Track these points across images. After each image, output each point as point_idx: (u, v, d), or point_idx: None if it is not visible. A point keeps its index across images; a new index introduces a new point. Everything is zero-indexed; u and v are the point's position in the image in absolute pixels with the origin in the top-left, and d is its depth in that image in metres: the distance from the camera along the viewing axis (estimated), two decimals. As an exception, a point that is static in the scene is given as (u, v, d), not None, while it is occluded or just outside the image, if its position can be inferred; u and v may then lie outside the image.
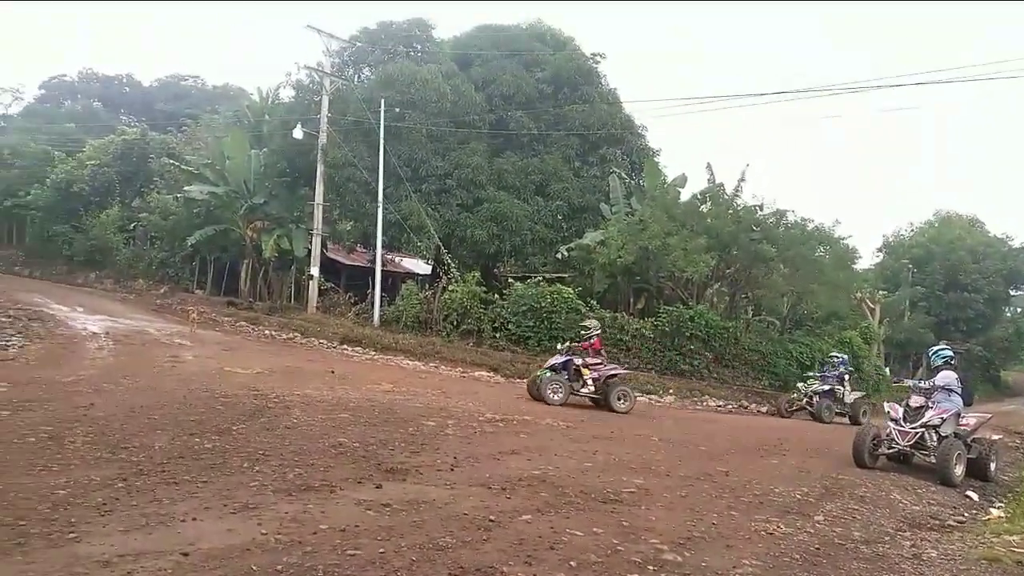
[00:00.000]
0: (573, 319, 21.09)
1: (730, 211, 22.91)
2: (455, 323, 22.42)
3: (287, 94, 31.46)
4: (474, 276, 22.83)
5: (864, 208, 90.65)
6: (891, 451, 10.55)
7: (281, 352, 18.73)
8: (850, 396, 18.99)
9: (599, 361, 15.12)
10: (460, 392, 14.51)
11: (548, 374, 14.80)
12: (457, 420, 10.52)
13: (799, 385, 19.39)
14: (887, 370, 30.26)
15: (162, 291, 31.10)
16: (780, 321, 25.18)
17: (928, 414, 10.27)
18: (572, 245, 24.16)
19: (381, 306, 24.41)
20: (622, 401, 14.80)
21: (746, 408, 19.80)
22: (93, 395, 9.60)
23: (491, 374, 19.14)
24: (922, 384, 10.83)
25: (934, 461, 10.03)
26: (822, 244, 23.39)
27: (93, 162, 38.79)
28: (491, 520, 5.63)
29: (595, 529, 5.72)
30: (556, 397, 14.33)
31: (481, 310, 22.08)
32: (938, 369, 10.79)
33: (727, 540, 5.91)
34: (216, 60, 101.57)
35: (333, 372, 15.33)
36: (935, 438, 10.21)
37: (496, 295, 22.51)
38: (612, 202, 25.42)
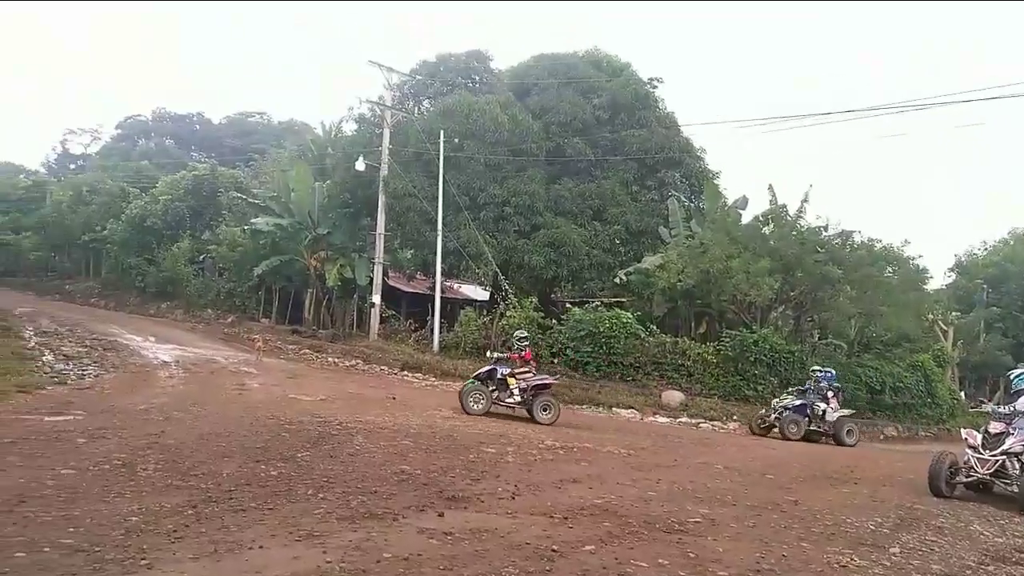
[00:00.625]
0: (632, 344, 20.89)
1: (794, 232, 22.42)
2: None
3: (350, 128, 32.29)
4: (531, 302, 22.83)
5: (934, 227, 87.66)
6: (969, 479, 10.07)
7: (344, 379, 19.04)
8: (833, 414, 17.64)
9: (527, 371, 15.11)
10: (518, 418, 14.49)
11: (473, 384, 14.99)
12: (516, 447, 10.49)
13: (773, 401, 18.32)
14: (962, 394, 28.96)
15: (230, 320, 32.00)
16: (847, 344, 24.42)
17: (1009, 441, 9.78)
18: (631, 269, 23.98)
19: (440, 332, 24.61)
20: (546, 412, 14.70)
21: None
22: (164, 423, 9.89)
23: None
24: (1002, 409, 10.34)
25: (1016, 490, 9.53)
26: (890, 264, 22.69)
27: (165, 197, 40.42)
28: (554, 550, 5.56)
29: (661, 560, 5.60)
30: (477, 407, 14.50)
31: (539, 335, 22.03)
32: (1018, 393, 10.30)
33: (798, 573, 5.71)
34: (281, 97, 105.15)
35: (394, 398, 15.51)
36: (1017, 466, 9.72)
37: (554, 320, 22.44)
38: (671, 225, 25.18)
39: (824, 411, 17.56)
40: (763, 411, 18.22)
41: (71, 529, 5.14)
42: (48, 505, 5.68)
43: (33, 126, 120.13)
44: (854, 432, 17.77)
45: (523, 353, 15.28)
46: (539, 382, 15.11)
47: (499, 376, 14.98)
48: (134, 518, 5.50)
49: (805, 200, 23.10)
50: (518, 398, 14.86)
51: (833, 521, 7.67)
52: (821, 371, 18.37)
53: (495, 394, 14.92)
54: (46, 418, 9.66)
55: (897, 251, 22.52)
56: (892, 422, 22.28)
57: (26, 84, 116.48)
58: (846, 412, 18.14)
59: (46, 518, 5.35)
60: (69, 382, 13.99)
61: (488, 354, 16.58)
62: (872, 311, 22.49)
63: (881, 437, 21.11)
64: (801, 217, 22.99)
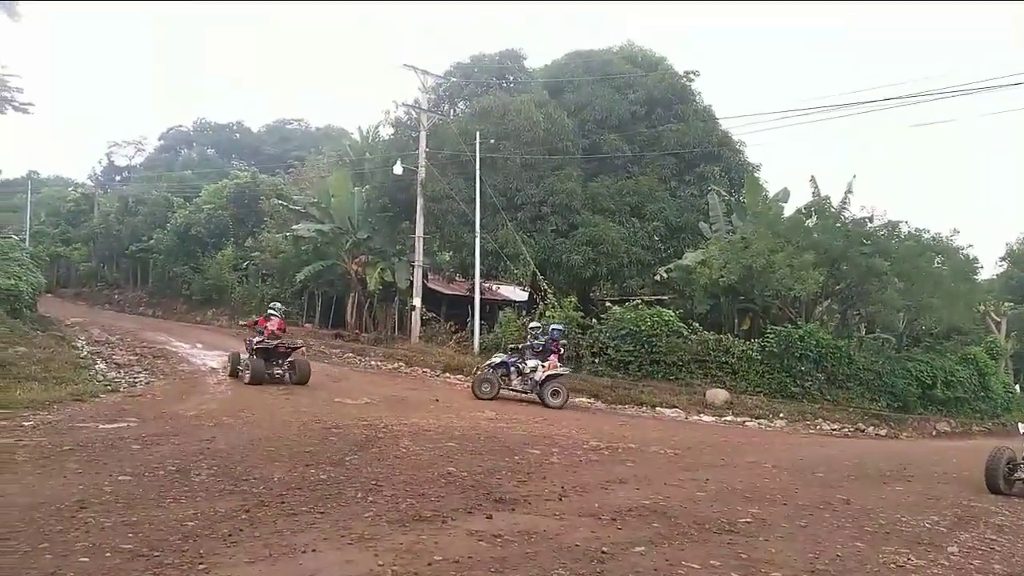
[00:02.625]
0: (675, 342, 20.67)
1: (838, 225, 21.96)
2: (554, 349, 22.36)
3: (386, 132, 32.51)
4: (571, 301, 22.74)
5: (984, 216, 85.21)
6: (1030, 475, 9.77)
7: (387, 382, 19.20)
8: (541, 373, 16.62)
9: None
10: (561, 419, 14.47)
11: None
12: (561, 448, 10.48)
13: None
14: (1017, 387, 28.12)
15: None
16: (896, 338, 23.87)
17: (1070, 435, 9.48)
18: (671, 266, 23.74)
19: (480, 334, 24.68)
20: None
21: (863, 431, 18.81)
22: (214, 428, 10.09)
23: (592, 400, 18.96)
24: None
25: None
26: (939, 255, 22.12)
27: (209, 206, 41.29)
28: (604, 552, 5.54)
29: (712, 562, 5.54)
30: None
31: (579, 335, 21.93)
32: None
33: (854, 573, 5.61)
34: (318, 103, 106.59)
35: (437, 401, 15.60)
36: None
37: (593, 319, 22.33)
38: (711, 220, 24.86)
39: (533, 369, 16.78)
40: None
41: (130, 534, 5.27)
42: (108, 510, 5.83)
43: (81, 140, 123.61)
44: (560, 393, 16.59)
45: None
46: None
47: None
48: (190, 523, 5.62)
49: (849, 191, 22.63)
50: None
51: (887, 520, 7.51)
52: (539, 326, 18.10)
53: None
54: (101, 426, 9.92)
55: (946, 241, 21.95)
56: (944, 417, 21.72)
57: (74, 97, 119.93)
58: (560, 371, 16.98)
59: (107, 523, 5.50)
60: (122, 390, 14.35)
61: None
62: (921, 304, 21.95)
63: (933, 432, 20.60)
64: (845, 209, 22.51)
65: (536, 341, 17.22)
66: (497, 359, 17.53)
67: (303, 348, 18.01)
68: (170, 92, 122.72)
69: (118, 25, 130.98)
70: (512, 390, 16.85)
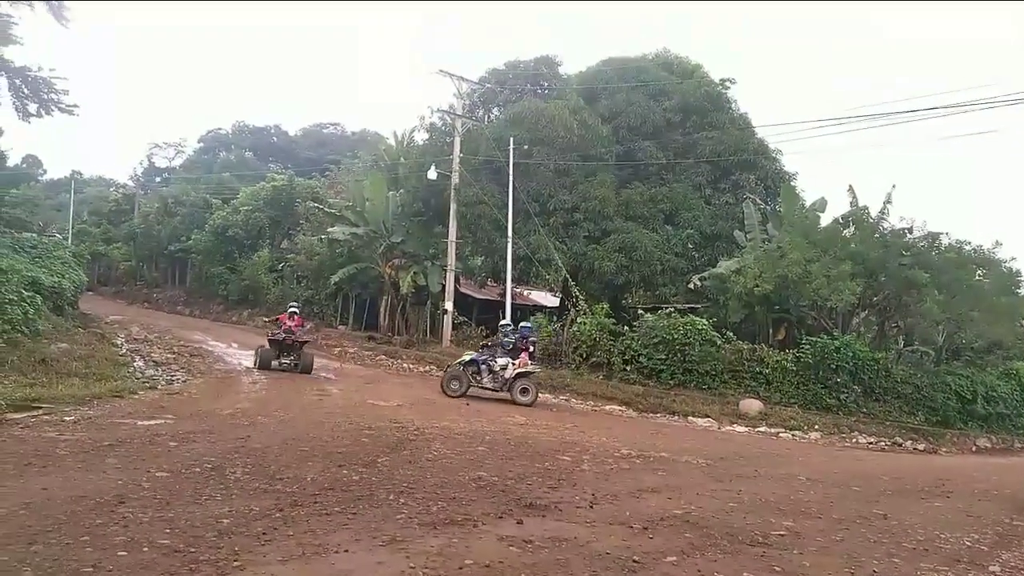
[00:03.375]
0: (708, 351, 20.48)
1: (876, 235, 21.60)
2: (584, 355, 22.27)
3: (421, 137, 32.79)
4: (603, 308, 22.65)
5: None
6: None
7: (418, 385, 19.29)
8: (511, 370, 16.81)
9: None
10: (592, 426, 14.41)
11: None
12: (592, 455, 10.43)
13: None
14: (1062, 405, 27.33)
15: (308, 327, 32.80)
16: (935, 351, 23.38)
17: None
18: (705, 274, 23.55)
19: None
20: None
21: (900, 445, 18.45)
22: (249, 427, 10.22)
23: (623, 408, 18.87)
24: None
25: None
26: (981, 268, 21.63)
27: (246, 207, 41.90)
28: (635, 561, 5.50)
29: (745, 574, 5.47)
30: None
31: (611, 342, 21.82)
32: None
33: (891, 591, 5.49)
34: (355, 107, 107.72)
35: (468, 404, 15.63)
36: None
37: (625, 327, 22.21)
38: (747, 229, 24.62)
39: (503, 367, 17.00)
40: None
41: (167, 530, 5.35)
42: (145, 506, 5.93)
43: (122, 141, 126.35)
44: (529, 391, 16.81)
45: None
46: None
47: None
48: (225, 520, 5.69)
49: (888, 201, 22.25)
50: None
51: (926, 536, 7.34)
52: (509, 325, 18.43)
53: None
54: (139, 422, 10.10)
55: (988, 254, 21.44)
56: (985, 433, 21.21)
57: (117, 99, 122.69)
58: (530, 369, 17.17)
59: (144, 519, 5.59)
60: (159, 387, 14.61)
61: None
62: (961, 317, 21.48)
63: (973, 448, 20.14)
64: (884, 219, 22.13)
65: (507, 339, 17.53)
66: (467, 357, 17.66)
67: (310, 342, 20.95)
68: (210, 95, 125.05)
69: (161, 29, 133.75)
70: (482, 387, 17.04)
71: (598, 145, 25.37)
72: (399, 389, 17.41)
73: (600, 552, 5.65)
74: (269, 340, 19.45)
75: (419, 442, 9.98)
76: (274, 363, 18.72)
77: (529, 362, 17.23)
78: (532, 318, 25.45)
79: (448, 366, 18.84)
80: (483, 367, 17.17)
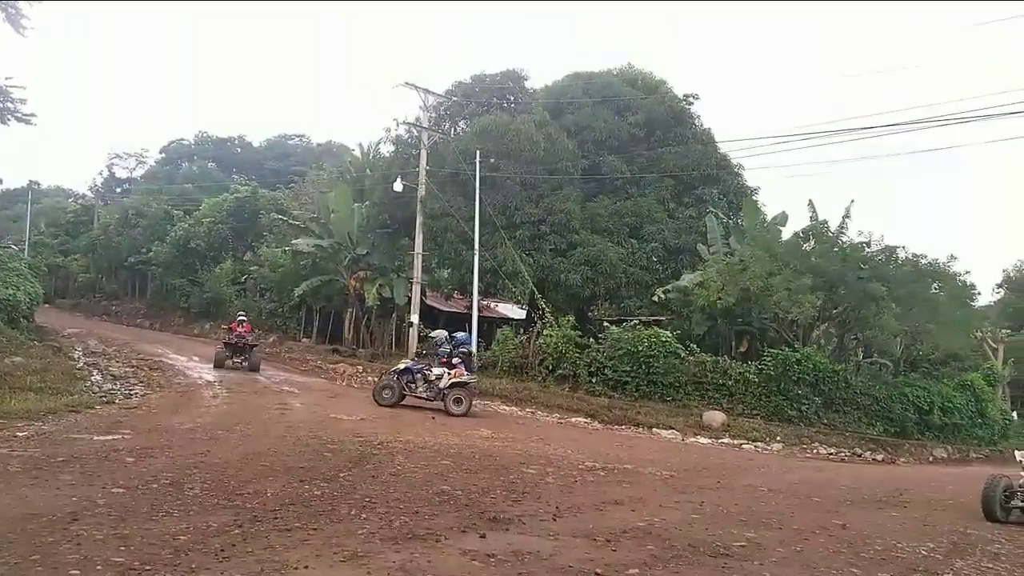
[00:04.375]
0: (672, 363, 20.66)
1: (835, 249, 22.01)
2: (551, 368, 22.33)
3: (387, 149, 32.62)
4: (569, 320, 22.74)
5: (980, 242, 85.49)
6: (1027, 504, 9.73)
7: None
8: (446, 380, 16.93)
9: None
10: (558, 439, 14.43)
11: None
12: (557, 468, 10.44)
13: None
14: (1015, 415, 28.05)
15: (271, 340, 32.42)
16: (893, 363, 23.86)
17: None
18: (669, 287, 23.78)
19: (478, 351, 24.61)
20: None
21: (859, 456, 18.77)
22: (209, 442, 10.06)
23: (588, 420, 18.92)
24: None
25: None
26: (937, 281, 22.15)
27: (208, 219, 41.32)
28: (597, 573, 5.52)
29: (706, 585, 5.52)
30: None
31: (577, 355, 21.90)
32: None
33: (849, 600, 5.57)
34: (319, 119, 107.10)
35: (433, 418, 15.56)
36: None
37: (591, 339, 22.31)
38: (710, 243, 24.94)
39: (439, 376, 17.09)
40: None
41: (122, 548, 5.25)
42: (100, 523, 5.80)
43: (81, 151, 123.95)
44: (463, 401, 16.85)
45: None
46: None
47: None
48: (183, 537, 5.60)
49: (847, 216, 22.71)
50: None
51: (883, 546, 7.47)
52: (441, 335, 18.37)
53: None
54: (95, 437, 9.89)
55: (943, 267, 21.97)
56: (941, 443, 21.68)
57: (75, 109, 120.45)
58: (465, 380, 17.17)
59: (98, 536, 5.47)
60: (117, 401, 14.32)
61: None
62: (918, 329, 21.98)
63: (930, 459, 20.56)
64: (843, 233, 22.57)
65: (442, 349, 17.53)
66: (402, 365, 17.66)
67: (258, 347, 24.54)
68: (172, 105, 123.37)
69: (122, 36, 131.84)
70: (416, 396, 17.08)
71: (564, 159, 25.53)
72: (363, 403, 17.25)
73: (563, 565, 5.65)
74: (224, 344, 23.21)
75: (382, 456, 9.91)
76: (228, 363, 22.25)
77: (465, 373, 17.21)
78: (499, 330, 25.46)
79: (381, 375, 18.88)
80: (418, 376, 17.17)
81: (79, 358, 21.21)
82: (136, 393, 15.90)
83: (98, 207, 57.34)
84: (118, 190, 70.24)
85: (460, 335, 18.49)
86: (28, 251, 48.98)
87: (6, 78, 21.89)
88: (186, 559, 5.10)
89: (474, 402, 17.54)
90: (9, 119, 22.25)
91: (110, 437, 9.97)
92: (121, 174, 73.53)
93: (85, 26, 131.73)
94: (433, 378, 17.08)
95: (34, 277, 30.69)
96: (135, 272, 47.66)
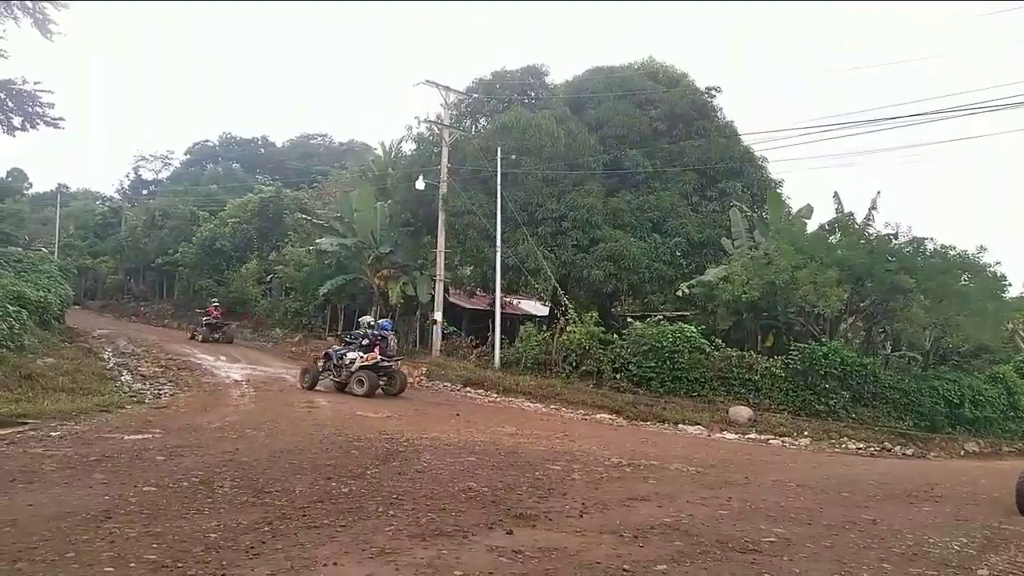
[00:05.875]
0: (697, 358, 20.54)
1: (862, 241, 21.75)
2: (574, 364, 22.28)
3: (409, 147, 32.75)
4: (592, 316, 22.66)
5: (1013, 233, 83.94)
6: (1062, 498, 9.55)
7: (408, 395, 19.22)
8: (357, 364, 17.71)
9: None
10: (583, 435, 14.40)
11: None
12: (583, 464, 10.42)
13: None
14: (1048, 408, 27.50)
15: (297, 339, 32.67)
16: (923, 356, 23.49)
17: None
18: (693, 282, 23.61)
19: (501, 348, 24.65)
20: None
21: (889, 450, 18.52)
22: (238, 440, 10.17)
23: (613, 416, 18.86)
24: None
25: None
26: (966, 273, 21.78)
27: (233, 220, 41.75)
28: (625, 570, 5.50)
29: (735, 581, 5.48)
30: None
31: (600, 351, 21.83)
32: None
33: (881, 596, 5.51)
34: (342, 119, 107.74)
35: (458, 415, 15.61)
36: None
37: (615, 335, 22.23)
38: (734, 236, 24.73)
39: (352, 361, 17.86)
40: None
41: (155, 545, 5.32)
42: (132, 521, 5.89)
43: (109, 154, 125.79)
44: (364, 383, 17.45)
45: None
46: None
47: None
48: (213, 534, 5.66)
49: (873, 207, 22.43)
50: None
51: (915, 541, 7.38)
52: (369, 321, 19.25)
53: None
54: (126, 437, 10.04)
55: (973, 259, 21.58)
56: (973, 437, 21.29)
57: (103, 112, 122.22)
58: (376, 362, 17.69)
59: (131, 534, 5.55)
60: (147, 401, 14.53)
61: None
62: (948, 321, 21.60)
63: (961, 453, 20.22)
64: (869, 225, 22.29)
65: (366, 334, 18.22)
66: (328, 351, 18.75)
67: (233, 325, 33.46)
68: (196, 106, 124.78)
69: (147, 39, 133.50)
70: (331, 380, 18.13)
71: (585, 154, 25.45)
72: (389, 400, 17.35)
73: (590, 561, 5.65)
74: (204, 324, 31.73)
75: (408, 453, 9.95)
76: (210, 337, 30.73)
77: (379, 356, 17.71)
78: (522, 327, 25.44)
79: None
80: (335, 360, 18.13)
81: (109, 358, 21.54)
82: (165, 393, 16.12)
83: (125, 209, 58.13)
84: (144, 192, 71.17)
85: (382, 321, 19.60)
86: (58, 253, 49.84)
87: (35, 83, 22.19)
88: (217, 556, 5.16)
89: (500, 399, 17.63)
90: (38, 123, 22.59)
91: (141, 436, 10.12)
92: (147, 176, 74.56)
93: (110, 29, 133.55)
94: (347, 362, 17.91)
95: (64, 279, 31.22)
96: (162, 273, 48.28)
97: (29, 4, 20.51)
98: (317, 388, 18.16)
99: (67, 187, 73.69)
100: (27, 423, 10.51)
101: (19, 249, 31.55)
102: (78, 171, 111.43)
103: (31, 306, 20.75)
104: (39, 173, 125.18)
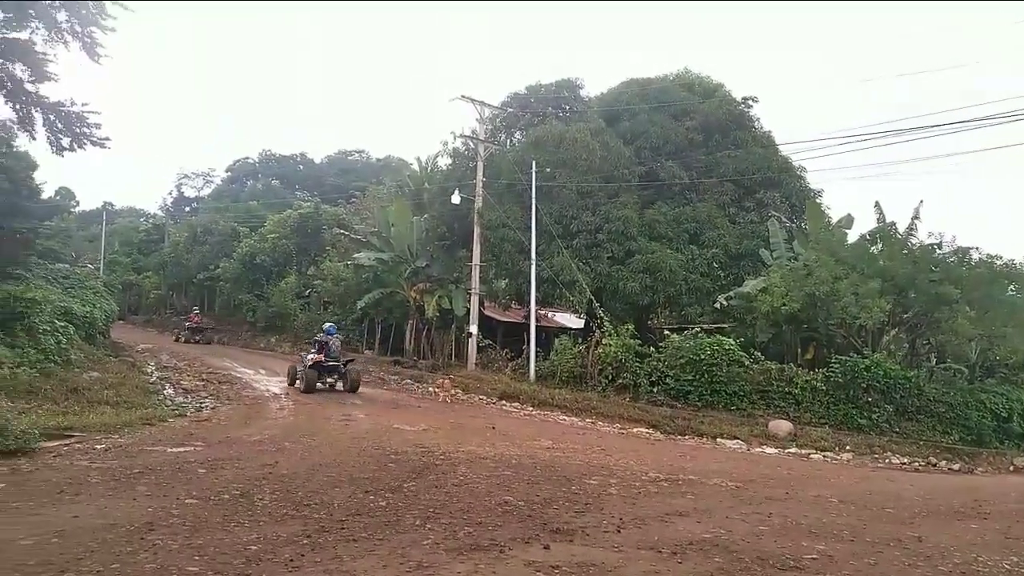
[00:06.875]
0: (735, 372, 20.27)
1: (904, 251, 21.29)
2: (610, 377, 22.13)
3: (444, 162, 33.02)
4: (628, 329, 22.50)
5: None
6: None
7: (444, 409, 19.30)
8: (308, 362, 20.58)
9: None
10: (619, 449, 14.28)
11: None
12: (620, 479, 10.34)
13: None
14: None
15: (352, 357, 32.98)
16: (969, 369, 22.87)
17: None
18: (731, 294, 23.35)
19: (536, 361, 24.62)
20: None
21: (934, 465, 18.02)
22: (277, 453, 10.29)
23: (650, 431, 18.67)
24: None
25: None
26: (1013, 283, 21.20)
27: (273, 235, 42.45)
28: (663, 586, 5.43)
29: (776, 599, 5.38)
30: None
31: (637, 364, 21.65)
32: None
33: (928, 616, 5.36)
34: (379, 135, 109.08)
35: (494, 428, 15.59)
36: None
37: (651, 348, 22.04)
38: (772, 247, 24.42)
39: (306, 361, 20.77)
40: None
41: (196, 557, 5.40)
42: (175, 533, 5.99)
43: (153, 172, 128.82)
44: (303, 380, 20.10)
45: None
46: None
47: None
48: (253, 547, 5.73)
49: (916, 217, 21.93)
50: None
51: (963, 559, 7.16)
52: (330, 326, 21.70)
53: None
54: (169, 449, 10.22)
55: (1020, 268, 21.02)
56: (1022, 452, 20.68)
57: (147, 131, 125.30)
58: (321, 362, 20.36)
59: (173, 545, 5.65)
60: (188, 414, 14.78)
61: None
62: (994, 333, 21.01)
63: (1011, 468, 19.57)
64: (912, 234, 21.81)
65: (317, 338, 21.10)
66: (303, 354, 22.50)
67: (212, 329, 40.60)
68: (237, 125, 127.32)
69: (190, 60, 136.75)
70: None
71: (620, 166, 25.39)
72: (424, 413, 17.43)
73: (628, 577, 5.59)
74: (187, 328, 38.60)
75: (445, 467, 9.97)
76: (191, 339, 37.23)
77: (322, 357, 20.40)
78: (557, 340, 25.36)
79: None
80: (304, 361, 20.99)
81: (152, 372, 21.98)
82: (206, 406, 16.39)
83: (168, 226, 59.48)
84: (187, 209, 72.77)
85: (326, 326, 21.79)
86: (103, 270, 51.13)
87: (82, 104, 22.79)
88: (257, 568, 5.23)
89: (536, 412, 17.60)
90: (85, 143, 23.15)
91: (182, 449, 10.29)
92: (189, 193, 76.29)
93: (155, 50, 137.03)
94: (306, 362, 20.67)
95: (109, 295, 32.01)
96: (204, 288, 49.24)
97: (78, 28, 21.10)
98: (295, 385, 20.66)
99: (112, 205, 75.76)
100: (73, 436, 10.76)
101: (66, 266, 32.36)
102: (123, 189, 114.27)
103: (78, 321, 21.30)
104: (86, 192, 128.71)
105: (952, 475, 17.02)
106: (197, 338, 37.59)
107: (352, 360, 23.06)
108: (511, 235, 25.41)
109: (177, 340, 37.90)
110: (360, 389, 20.93)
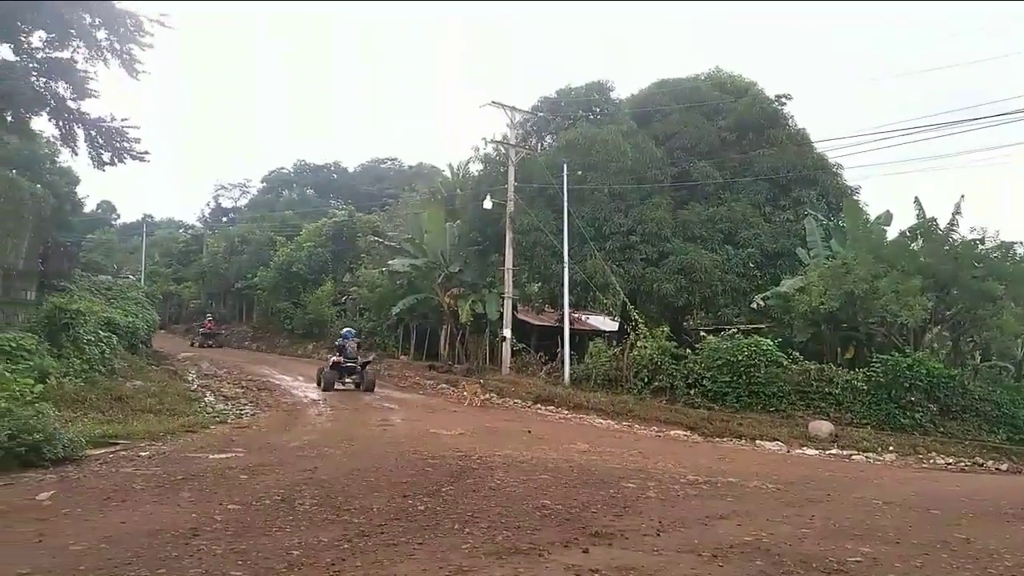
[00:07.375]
0: (774, 372, 20.00)
1: (946, 247, 20.85)
2: (646, 380, 21.97)
3: (476, 168, 33.16)
4: (663, 331, 22.33)
5: (1111, 232, 79.16)
6: None
7: (479, 413, 19.35)
8: (330, 363, 22.57)
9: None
10: (657, 452, 14.17)
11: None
12: (658, 482, 10.25)
13: None
14: None
15: (371, 358, 33.30)
16: (1015, 366, 22.34)
17: None
18: (768, 294, 23.08)
19: (571, 365, 24.57)
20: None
21: (981, 466, 17.57)
22: (316, 459, 10.40)
23: (688, 433, 18.51)
24: None
25: None
26: (1060, 278, 20.64)
27: (309, 244, 43.05)
28: (704, 590, 5.38)
29: (820, 603, 5.30)
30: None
31: (673, 366, 21.48)
32: None
33: (978, 620, 5.23)
34: (411, 142, 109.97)
35: (530, 432, 15.58)
36: None
37: (687, 350, 21.85)
38: (809, 246, 24.08)
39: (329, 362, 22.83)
40: None
41: (239, 562, 5.49)
42: (218, 538, 6.09)
43: (191, 183, 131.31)
44: (321, 380, 22.04)
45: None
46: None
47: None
48: (295, 551, 5.80)
49: (957, 212, 21.46)
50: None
51: (1014, 562, 6.96)
52: (349, 330, 23.91)
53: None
54: (211, 456, 10.39)
55: (1067, 262, 20.46)
56: (1074, 451, 20.09)
57: (183, 144, 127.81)
58: (344, 364, 22.34)
59: (217, 551, 5.74)
60: (229, 421, 15.02)
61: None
62: (1042, 329, 20.51)
63: (1062, 468, 19.09)
64: (953, 230, 21.34)
65: (337, 343, 23.24)
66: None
67: (224, 334, 44.39)
68: (272, 135, 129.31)
69: (226, 73, 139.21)
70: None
71: (653, 167, 25.26)
72: (460, 417, 17.48)
73: (669, 581, 5.55)
74: (201, 333, 42.59)
75: (482, 471, 9.99)
76: (205, 344, 40.65)
77: (340, 359, 22.29)
78: (591, 343, 25.28)
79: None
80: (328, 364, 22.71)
81: (193, 380, 22.40)
82: (246, 413, 16.63)
83: (207, 236, 60.57)
84: (224, 219, 74.03)
85: (344, 330, 23.94)
86: (144, 280, 52.21)
87: (122, 119, 23.36)
88: (299, 572, 5.29)
89: (571, 416, 17.57)
90: (125, 158, 23.72)
91: (224, 455, 10.46)
92: (226, 204, 77.63)
93: (191, 64, 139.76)
94: (328, 363, 22.53)
95: (150, 305, 32.71)
96: (242, 297, 50.09)
97: (117, 46, 21.63)
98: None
99: (152, 217, 77.47)
100: (118, 444, 11.01)
101: (109, 277, 33.23)
102: (162, 201, 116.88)
103: (121, 331, 21.80)
104: (126, 204, 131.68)
105: (999, 475, 16.59)
106: (210, 343, 41.49)
107: (370, 361, 24.58)
108: (543, 239, 25.41)
109: (192, 345, 41.39)
110: (396, 394, 21.12)
